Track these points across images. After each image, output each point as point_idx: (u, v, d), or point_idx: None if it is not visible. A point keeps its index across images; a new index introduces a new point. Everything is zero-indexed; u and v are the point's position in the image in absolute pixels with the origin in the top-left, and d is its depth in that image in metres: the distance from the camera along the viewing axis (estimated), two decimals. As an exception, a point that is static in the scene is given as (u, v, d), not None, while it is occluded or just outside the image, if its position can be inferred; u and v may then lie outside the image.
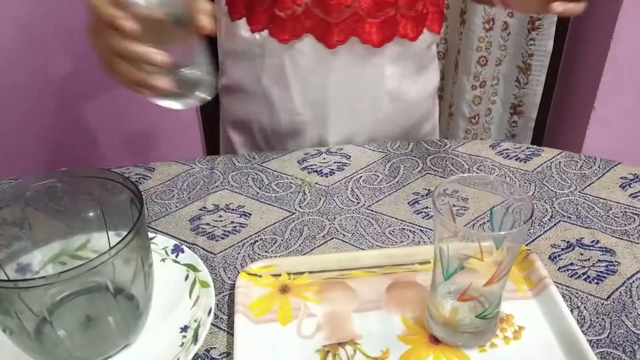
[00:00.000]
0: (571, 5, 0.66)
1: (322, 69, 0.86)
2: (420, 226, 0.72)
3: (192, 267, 0.64)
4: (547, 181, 0.79)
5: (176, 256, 0.66)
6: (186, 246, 0.67)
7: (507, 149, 0.85)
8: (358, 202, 0.76)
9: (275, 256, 0.68)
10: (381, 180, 0.80)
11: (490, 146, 0.86)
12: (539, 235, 0.70)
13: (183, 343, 0.57)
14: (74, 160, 1.69)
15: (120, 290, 0.54)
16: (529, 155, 0.84)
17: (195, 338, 0.56)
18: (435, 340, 0.57)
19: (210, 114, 1.67)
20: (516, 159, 0.83)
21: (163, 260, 0.66)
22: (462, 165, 0.82)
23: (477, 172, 0.80)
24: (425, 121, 0.98)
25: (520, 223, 0.53)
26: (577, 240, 0.69)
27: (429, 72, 0.95)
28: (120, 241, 0.50)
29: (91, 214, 0.62)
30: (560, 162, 0.82)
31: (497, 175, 0.80)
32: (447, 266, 0.53)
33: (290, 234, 0.71)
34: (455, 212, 0.57)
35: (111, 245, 0.62)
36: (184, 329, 0.58)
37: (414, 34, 0.86)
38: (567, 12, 0.66)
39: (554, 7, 0.65)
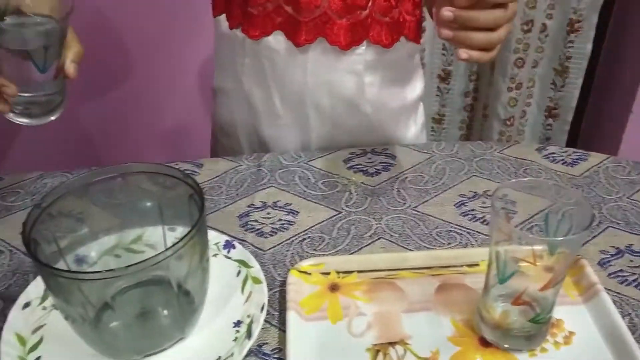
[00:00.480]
0: (476, 54, 0.61)
1: (298, 70, 0.86)
2: (467, 228, 0.72)
3: (243, 263, 0.65)
4: (594, 186, 0.78)
5: (228, 252, 0.67)
6: (237, 242, 0.68)
7: (554, 153, 0.85)
8: (404, 203, 0.76)
9: (323, 254, 0.69)
10: (427, 181, 0.80)
11: (536, 150, 0.86)
12: (588, 241, 0.70)
13: (237, 338, 0.58)
14: (88, 157, 1.72)
15: (178, 285, 0.56)
16: (576, 159, 0.83)
17: (249, 333, 0.57)
18: (485, 343, 0.58)
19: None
20: (563, 163, 0.83)
21: (215, 255, 0.67)
22: (509, 168, 0.82)
23: (523, 176, 0.80)
24: (407, 128, 0.97)
25: (578, 229, 0.53)
26: (626, 246, 0.69)
27: (412, 82, 0.94)
28: (185, 236, 0.51)
29: (148, 208, 0.63)
30: (607, 167, 0.82)
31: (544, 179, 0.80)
32: (503, 269, 0.54)
33: (337, 233, 0.72)
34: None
35: (166, 240, 0.64)
36: (237, 324, 0.60)
37: (389, 41, 0.85)
38: (473, 59, 0.62)
39: (459, 54, 0.61)
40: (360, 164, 0.84)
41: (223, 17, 0.87)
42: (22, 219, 0.75)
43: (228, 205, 0.77)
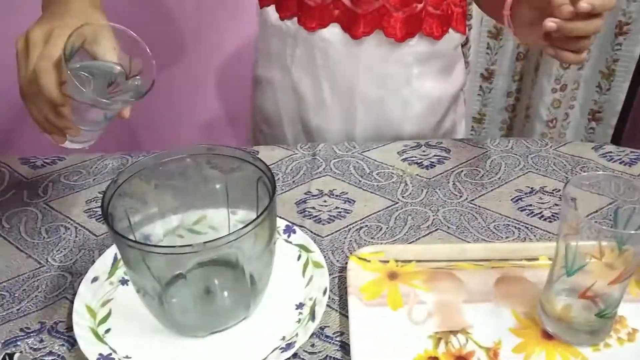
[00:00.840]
0: (566, 54, 0.64)
1: (350, 62, 0.87)
2: (525, 223, 0.72)
3: (304, 247, 0.66)
4: (653, 187, 0.78)
5: (288, 236, 0.68)
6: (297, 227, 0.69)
7: (611, 152, 0.84)
8: (461, 196, 0.76)
9: (381, 243, 0.70)
10: (483, 175, 0.80)
11: (592, 148, 0.85)
12: (648, 240, 0.69)
13: (300, 320, 0.59)
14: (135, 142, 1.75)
15: (245, 265, 0.57)
16: (634, 159, 0.83)
17: (312, 315, 0.58)
18: (547, 336, 0.58)
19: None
20: (620, 162, 0.82)
21: (276, 239, 0.68)
22: (565, 165, 0.82)
23: (580, 174, 0.80)
24: (446, 117, 0.98)
25: (650, 225, 0.53)
26: (688, 247, 0.68)
27: (455, 72, 0.95)
28: (258, 216, 0.52)
29: (214, 190, 0.64)
30: (666, 168, 0.81)
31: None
32: (572, 263, 0.54)
33: (395, 223, 0.72)
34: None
35: (230, 222, 0.65)
36: (300, 306, 0.61)
37: (439, 33, 0.86)
38: (561, 58, 0.64)
39: (548, 51, 0.65)
40: (415, 157, 0.85)
41: (272, 8, 0.89)
42: (85, 197, 0.78)
43: (285, 192, 0.78)
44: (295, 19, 0.86)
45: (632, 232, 0.53)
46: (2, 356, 0.53)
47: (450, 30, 0.88)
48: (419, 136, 0.94)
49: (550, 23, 0.60)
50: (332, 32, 0.85)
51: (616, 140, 1.86)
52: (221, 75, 1.72)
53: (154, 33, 1.60)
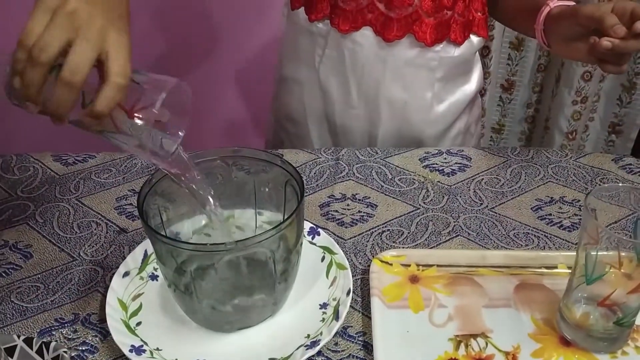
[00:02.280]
0: (609, 66, 0.70)
1: (378, 64, 0.89)
2: (545, 232, 0.73)
3: (328, 249, 0.68)
4: (672, 200, 0.78)
5: (312, 238, 0.70)
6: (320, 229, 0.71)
7: (630, 164, 0.85)
8: (481, 204, 0.78)
9: (403, 247, 0.71)
10: (503, 184, 0.82)
11: (612, 160, 0.86)
12: (667, 252, 0.70)
13: (324, 319, 0.61)
14: None
15: (273, 263, 0.59)
16: (653, 172, 0.84)
17: (336, 315, 0.60)
18: (565, 342, 0.59)
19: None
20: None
21: (300, 240, 0.70)
22: (585, 176, 0.83)
23: (600, 185, 0.81)
24: (461, 120, 1.00)
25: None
26: None
27: (473, 76, 0.97)
28: (288, 218, 0.54)
29: (242, 191, 0.66)
30: (685, 182, 0.82)
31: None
32: (592, 272, 0.55)
33: (416, 228, 0.74)
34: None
35: (256, 223, 0.67)
36: (323, 306, 0.62)
37: (462, 39, 0.89)
38: (605, 69, 0.71)
39: (590, 61, 0.72)
40: (436, 164, 0.86)
41: (302, 10, 0.91)
42: (115, 195, 0.81)
43: (309, 194, 0.80)
44: (327, 21, 0.88)
45: (654, 242, 0.54)
46: (38, 345, 0.55)
47: (472, 35, 0.90)
48: (436, 137, 0.97)
49: (607, 43, 0.66)
50: (364, 35, 0.87)
51: (636, 153, 1.86)
52: (244, 75, 1.74)
53: (179, 36, 1.64)
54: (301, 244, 0.61)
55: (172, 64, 1.68)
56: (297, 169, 0.84)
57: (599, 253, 0.54)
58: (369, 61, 0.89)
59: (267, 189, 0.65)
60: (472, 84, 0.98)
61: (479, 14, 0.90)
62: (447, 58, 0.90)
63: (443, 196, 0.80)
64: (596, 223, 0.54)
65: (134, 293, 0.64)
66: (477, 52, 0.97)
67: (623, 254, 0.54)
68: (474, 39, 0.91)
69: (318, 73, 0.93)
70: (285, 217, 0.56)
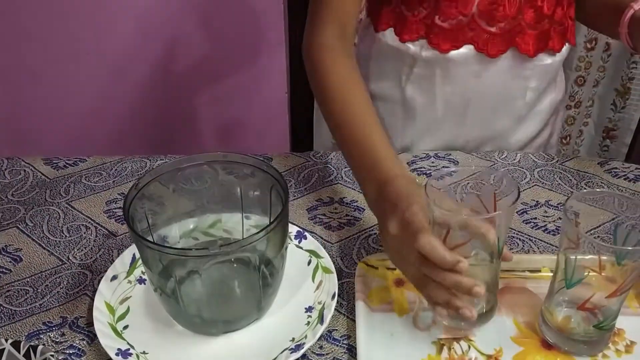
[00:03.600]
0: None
1: (474, 79, 0.88)
2: (529, 236, 0.74)
3: (314, 253, 0.69)
4: (657, 204, 0.79)
5: (299, 242, 0.71)
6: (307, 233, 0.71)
7: (616, 168, 0.86)
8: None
9: (389, 251, 0.72)
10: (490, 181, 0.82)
11: (598, 164, 0.87)
12: (650, 256, 0.71)
13: (309, 322, 0.61)
14: (167, 145, 1.80)
15: (258, 267, 0.60)
16: (638, 175, 0.84)
17: (321, 319, 0.61)
18: (547, 346, 0.60)
19: (301, 109, 1.74)
20: (625, 179, 0.84)
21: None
22: (570, 180, 0.84)
23: (585, 189, 0.81)
24: (544, 129, 1.00)
25: (648, 241, 0.54)
26: (688, 264, 0.70)
27: (557, 84, 0.97)
28: (271, 223, 0.55)
29: (229, 196, 0.67)
30: (670, 186, 0.83)
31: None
32: (571, 276, 0.56)
33: (403, 232, 0.75)
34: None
35: (244, 227, 0.68)
36: (309, 309, 0.63)
37: (559, 46, 0.88)
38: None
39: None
40: (424, 167, 0.87)
41: (390, 31, 0.89)
42: (105, 198, 0.81)
43: (297, 198, 0.81)
44: (423, 40, 0.87)
45: (630, 248, 0.55)
46: (26, 348, 0.56)
47: (566, 42, 0.90)
48: (519, 147, 0.96)
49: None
50: (463, 53, 0.86)
51: (630, 158, 1.86)
52: (252, 88, 1.75)
53: (196, 46, 1.65)
54: (286, 248, 0.62)
55: (176, 66, 1.69)
56: (287, 172, 0.86)
57: (578, 257, 0.55)
58: (463, 79, 0.88)
59: (254, 194, 0.66)
60: (558, 92, 0.97)
61: (570, 21, 0.89)
62: (541, 66, 0.89)
63: (430, 200, 0.80)
64: (575, 229, 0.54)
65: (122, 296, 0.65)
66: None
67: (604, 257, 0.54)
68: (567, 46, 0.91)
69: (404, 92, 0.92)
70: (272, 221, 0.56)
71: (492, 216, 0.57)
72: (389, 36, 0.89)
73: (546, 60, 0.89)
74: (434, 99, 0.91)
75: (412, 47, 0.88)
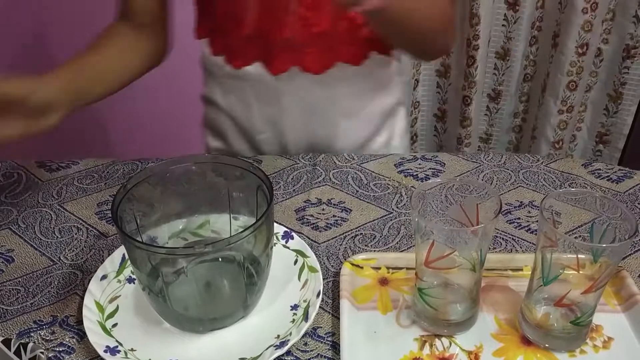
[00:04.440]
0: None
1: (276, 92, 0.91)
2: (512, 235, 0.75)
3: (301, 252, 0.70)
4: (638, 203, 0.81)
5: (286, 242, 0.72)
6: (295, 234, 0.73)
7: (599, 169, 0.87)
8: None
9: (374, 250, 0.73)
10: (473, 189, 0.84)
11: (582, 165, 0.88)
12: (630, 254, 0.72)
13: (294, 320, 0.63)
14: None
15: (245, 265, 0.61)
16: (621, 176, 0.86)
17: (305, 316, 0.62)
18: (526, 342, 0.61)
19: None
20: (608, 180, 0.85)
21: (274, 244, 0.72)
22: (554, 181, 0.85)
23: (568, 189, 0.83)
24: (379, 133, 1.00)
25: (622, 239, 0.56)
26: (668, 263, 0.71)
27: (387, 89, 0.97)
28: (258, 220, 0.56)
29: (217, 197, 0.69)
30: (653, 187, 0.84)
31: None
32: (547, 273, 0.57)
33: (388, 232, 0.76)
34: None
35: (231, 227, 0.69)
36: (294, 307, 0.64)
37: (358, 60, 0.89)
38: None
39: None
40: (411, 169, 0.88)
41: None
42: (97, 200, 0.83)
43: (285, 199, 0.82)
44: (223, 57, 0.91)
45: (605, 245, 0.56)
46: (16, 346, 0.57)
47: (375, 54, 0.90)
48: (349, 151, 0.97)
49: None
50: (259, 68, 0.89)
51: (623, 163, 1.87)
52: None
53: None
54: (272, 247, 0.63)
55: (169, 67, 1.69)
56: (275, 174, 0.87)
57: (555, 255, 0.56)
58: (268, 91, 0.91)
59: (241, 195, 0.67)
60: (390, 96, 0.98)
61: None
62: (347, 76, 0.90)
63: (416, 201, 0.82)
64: (552, 227, 0.56)
65: (111, 295, 0.66)
66: (394, 66, 0.97)
67: (582, 256, 0.56)
68: (378, 57, 0.91)
69: (228, 99, 0.97)
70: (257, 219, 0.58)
71: (475, 229, 0.58)
72: (205, 46, 0.94)
73: (345, 70, 0.89)
74: (250, 110, 0.95)
75: (219, 60, 0.92)
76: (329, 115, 0.94)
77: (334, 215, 0.79)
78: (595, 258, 0.56)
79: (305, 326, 0.61)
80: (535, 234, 0.76)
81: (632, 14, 1.58)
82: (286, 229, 0.73)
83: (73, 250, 0.74)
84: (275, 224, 0.74)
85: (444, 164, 0.90)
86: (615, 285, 0.67)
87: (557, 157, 0.92)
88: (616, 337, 0.62)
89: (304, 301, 0.65)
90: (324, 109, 0.93)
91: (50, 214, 0.80)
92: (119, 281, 0.68)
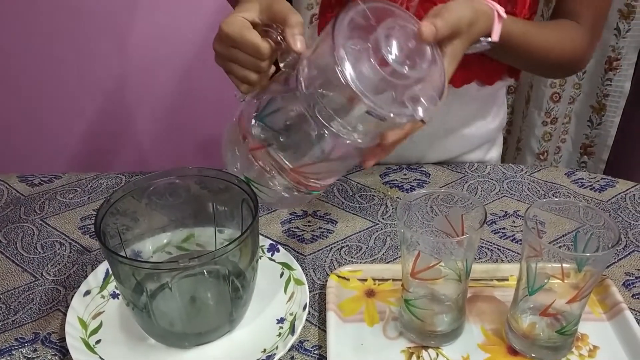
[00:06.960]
0: None
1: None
2: (498, 245, 0.76)
3: (287, 265, 0.70)
4: (621, 212, 0.81)
5: (272, 254, 0.72)
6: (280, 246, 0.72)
7: (582, 178, 0.88)
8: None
9: (360, 262, 0.73)
10: (457, 200, 0.84)
11: (565, 174, 0.89)
12: (614, 263, 0.73)
13: (280, 333, 0.62)
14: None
15: (230, 279, 0.60)
16: (604, 185, 0.87)
17: (292, 329, 0.62)
18: (513, 352, 0.61)
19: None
20: (591, 189, 0.86)
21: (260, 257, 0.71)
22: (538, 190, 0.86)
23: (552, 198, 0.83)
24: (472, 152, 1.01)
25: (605, 248, 0.56)
26: (651, 271, 0.72)
27: (495, 114, 0.99)
28: (243, 234, 0.56)
29: (201, 210, 0.68)
30: (634, 194, 0.85)
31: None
32: (532, 283, 0.57)
33: (374, 243, 0.76)
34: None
35: (216, 240, 0.69)
36: (280, 320, 0.64)
37: (492, 80, 0.89)
38: None
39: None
40: (396, 180, 0.89)
41: None
42: (80, 214, 0.82)
43: (271, 212, 0.82)
44: None
45: (589, 254, 0.56)
46: (-4, 363, 0.56)
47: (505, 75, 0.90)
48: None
49: None
50: None
51: (608, 174, 1.88)
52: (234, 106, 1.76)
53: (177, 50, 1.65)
54: (257, 260, 0.63)
55: (155, 83, 1.70)
56: (261, 187, 0.86)
57: (540, 265, 0.57)
58: None
59: (226, 208, 0.67)
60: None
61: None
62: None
63: (402, 212, 0.82)
64: (536, 237, 0.56)
65: (95, 311, 0.65)
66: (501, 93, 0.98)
67: (566, 265, 0.56)
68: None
69: None
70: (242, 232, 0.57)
71: (460, 239, 0.58)
72: None
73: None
74: None
75: None
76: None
77: (319, 227, 0.79)
78: (579, 267, 0.56)
79: (292, 339, 0.60)
80: (520, 244, 0.76)
81: (613, 26, 1.60)
82: (272, 242, 0.73)
83: (56, 266, 0.73)
84: (260, 237, 0.74)
85: (429, 174, 0.90)
86: (599, 293, 0.67)
87: (541, 166, 0.92)
88: (602, 345, 0.62)
89: (291, 314, 0.64)
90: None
91: (33, 229, 0.79)
92: (103, 297, 0.67)
